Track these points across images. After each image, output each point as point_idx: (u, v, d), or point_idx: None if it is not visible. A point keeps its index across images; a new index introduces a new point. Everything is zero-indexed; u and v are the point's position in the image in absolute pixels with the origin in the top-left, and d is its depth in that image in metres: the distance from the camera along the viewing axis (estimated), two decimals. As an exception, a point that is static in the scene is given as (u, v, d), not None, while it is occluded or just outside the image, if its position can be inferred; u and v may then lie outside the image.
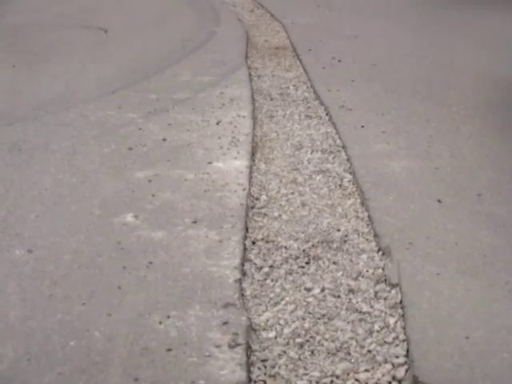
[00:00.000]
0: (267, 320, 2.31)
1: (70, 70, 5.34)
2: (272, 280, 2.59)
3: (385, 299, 2.43)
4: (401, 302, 2.38)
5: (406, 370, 2.05)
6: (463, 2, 7.70)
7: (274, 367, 2.08)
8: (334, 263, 2.70)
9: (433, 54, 5.64)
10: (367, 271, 2.64)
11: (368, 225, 2.99)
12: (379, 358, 2.10)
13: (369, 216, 3.05)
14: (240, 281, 2.50)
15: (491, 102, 4.55)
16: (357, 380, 2.03)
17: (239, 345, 2.10)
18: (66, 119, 4.25)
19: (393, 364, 2.08)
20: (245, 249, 2.75)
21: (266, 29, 6.74)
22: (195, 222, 2.94)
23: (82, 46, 6.08)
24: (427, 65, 5.38)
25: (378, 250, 2.78)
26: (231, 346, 2.10)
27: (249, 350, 2.11)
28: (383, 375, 2.04)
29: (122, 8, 7.86)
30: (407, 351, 2.11)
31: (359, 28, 6.65)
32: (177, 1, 8.29)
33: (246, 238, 2.85)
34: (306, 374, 2.04)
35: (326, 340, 2.21)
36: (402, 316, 2.30)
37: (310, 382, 2.01)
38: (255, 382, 2.00)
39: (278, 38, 6.40)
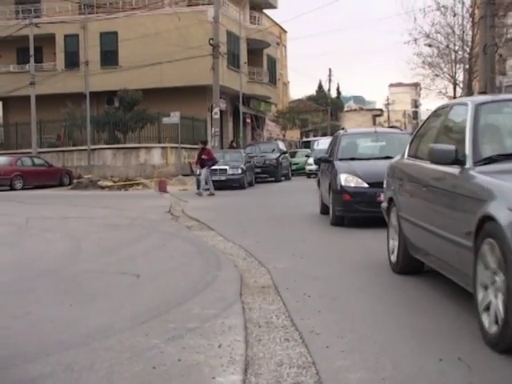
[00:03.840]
0: None
1: (111, 307, 5.52)
2: None
3: None
4: None
5: None
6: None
7: None
8: None
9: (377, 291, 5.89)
10: None
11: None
12: None
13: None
14: None
15: (431, 329, 4.70)
16: None
17: None
18: (107, 345, 4.36)
19: None
20: None
21: (255, 272, 7.02)
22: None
23: (120, 288, 6.32)
24: (372, 298, 5.60)
25: None
26: None
27: None
28: None
29: (151, 258, 8.23)
30: None
31: (323, 271, 6.96)
32: (190, 252, 8.70)
33: None
34: None
35: None
36: None
37: None
38: None
39: (264, 279, 6.65)
